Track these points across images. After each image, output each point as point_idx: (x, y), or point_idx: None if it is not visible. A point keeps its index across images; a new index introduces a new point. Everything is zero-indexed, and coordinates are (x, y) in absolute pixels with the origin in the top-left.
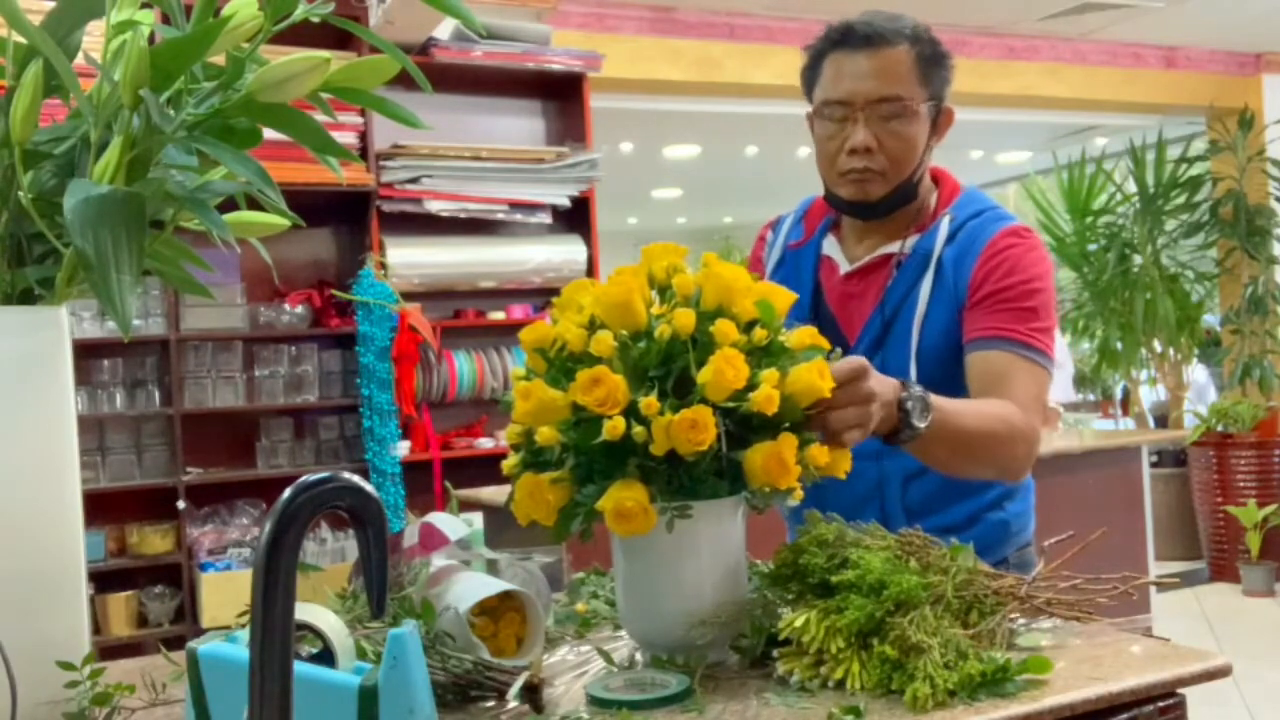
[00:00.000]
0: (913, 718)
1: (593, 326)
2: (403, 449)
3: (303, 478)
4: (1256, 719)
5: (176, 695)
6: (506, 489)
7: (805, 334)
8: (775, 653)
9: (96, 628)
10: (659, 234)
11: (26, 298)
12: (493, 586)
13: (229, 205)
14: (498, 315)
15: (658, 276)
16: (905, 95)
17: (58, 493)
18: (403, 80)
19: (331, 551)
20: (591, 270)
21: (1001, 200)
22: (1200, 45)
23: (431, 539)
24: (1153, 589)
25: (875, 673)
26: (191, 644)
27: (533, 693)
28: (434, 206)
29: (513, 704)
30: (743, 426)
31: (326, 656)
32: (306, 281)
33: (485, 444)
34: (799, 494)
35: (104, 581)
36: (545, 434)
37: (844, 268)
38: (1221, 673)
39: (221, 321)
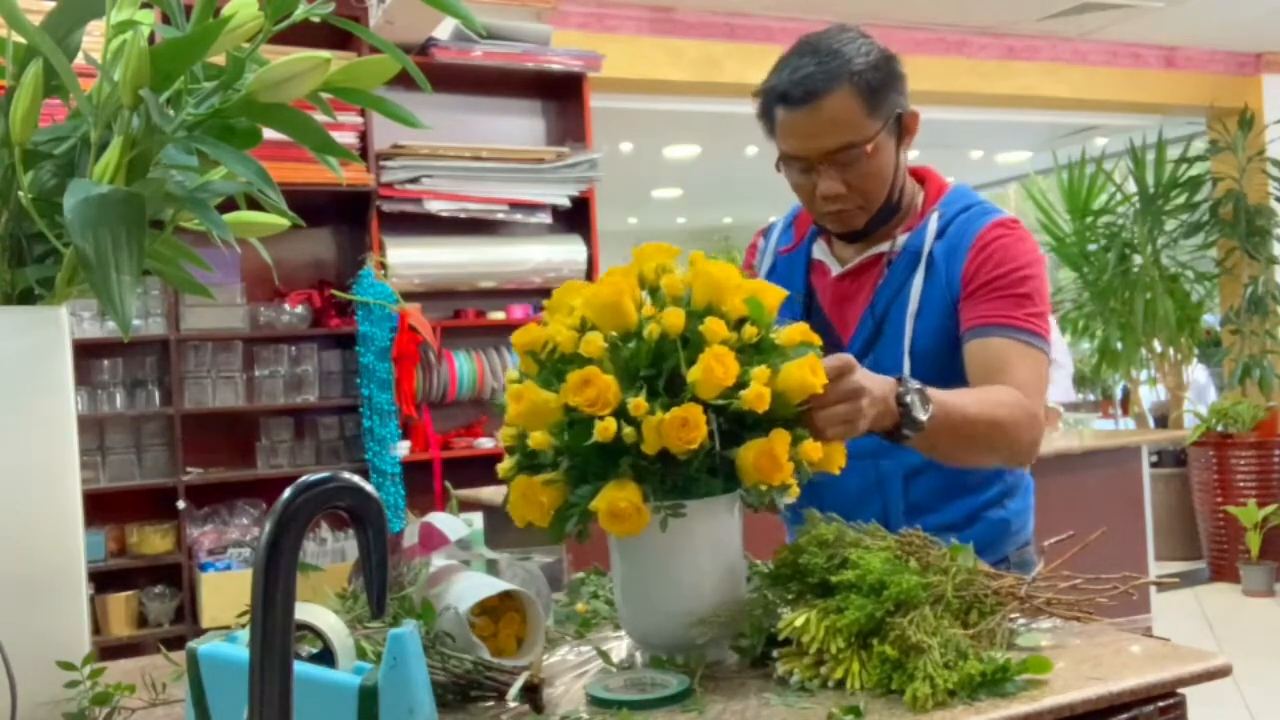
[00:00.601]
0: (913, 718)
1: (583, 328)
2: (403, 449)
3: (303, 478)
4: (1256, 719)
5: (176, 695)
6: (505, 489)
7: (796, 331)
8: (775, 653)
9: (96, 628)
10: (659, 234)
11: (26, 298)
12: (493, 586)
13: (229, 205)
14: (498, 315)
15: (648, 277)
16: (857, 139)
17: (58, 493)
18: (403, 80)
19: (331, 551)
20: (591, 270)
21: (1001, 200)
22: (1200, 45)
23: (431, 539)
24: (1153, 589)
25: (875, 673)
26: (191, 644)
27: (533, 693)
28: (434, 206)
29: (513, 704)
30: (735, 424)
31: (326, 656)
32: (306, 281)
33: (485, 444)
34: (795, 491)
35: (104, 581)
36: (538, 439)
37: (835, 270)
38: (1221, 673)
39: (221, 321)
